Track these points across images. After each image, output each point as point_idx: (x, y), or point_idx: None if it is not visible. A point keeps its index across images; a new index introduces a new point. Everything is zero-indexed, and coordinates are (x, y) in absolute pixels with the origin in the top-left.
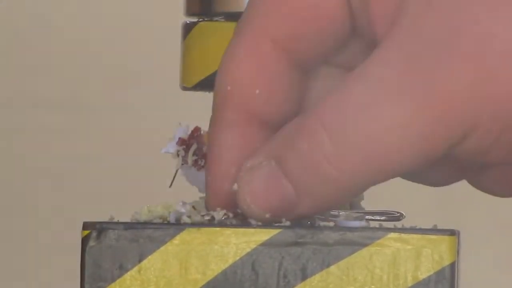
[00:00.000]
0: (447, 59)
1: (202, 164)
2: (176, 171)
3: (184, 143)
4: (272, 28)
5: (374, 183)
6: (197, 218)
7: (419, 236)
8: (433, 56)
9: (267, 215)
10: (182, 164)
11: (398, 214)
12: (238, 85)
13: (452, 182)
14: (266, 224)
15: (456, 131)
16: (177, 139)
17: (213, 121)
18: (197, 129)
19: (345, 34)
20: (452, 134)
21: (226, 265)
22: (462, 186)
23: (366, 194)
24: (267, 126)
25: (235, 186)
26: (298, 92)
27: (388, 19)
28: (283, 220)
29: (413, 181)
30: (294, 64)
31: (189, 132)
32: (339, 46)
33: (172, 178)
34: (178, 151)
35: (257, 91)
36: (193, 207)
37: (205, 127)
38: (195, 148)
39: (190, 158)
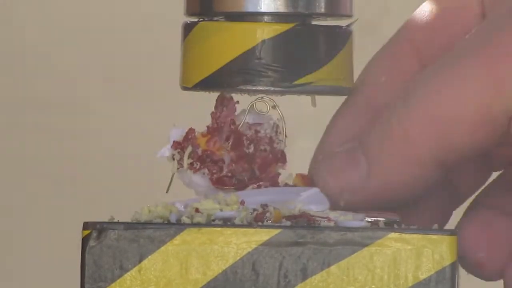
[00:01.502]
0: None
1: (198, 167)
2: (173, 175)
3: (179, 146)
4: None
5: (439, 163)
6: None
7: (419, 236)
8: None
9: (341, 193)
10: (178, 168)
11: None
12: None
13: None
14: (269, 225)
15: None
16: (171, 143)
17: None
18: (191, 131)
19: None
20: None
21: (227, 265)
22: None
23: None
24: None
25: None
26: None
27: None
28: (347, 199)
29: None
30: (422, 64)
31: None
32: None
33: (168, 183)
34: (173, 155)
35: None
36: (196, 208)
37: (205, 127)
38: (190, 151)
39: (186, 162)
